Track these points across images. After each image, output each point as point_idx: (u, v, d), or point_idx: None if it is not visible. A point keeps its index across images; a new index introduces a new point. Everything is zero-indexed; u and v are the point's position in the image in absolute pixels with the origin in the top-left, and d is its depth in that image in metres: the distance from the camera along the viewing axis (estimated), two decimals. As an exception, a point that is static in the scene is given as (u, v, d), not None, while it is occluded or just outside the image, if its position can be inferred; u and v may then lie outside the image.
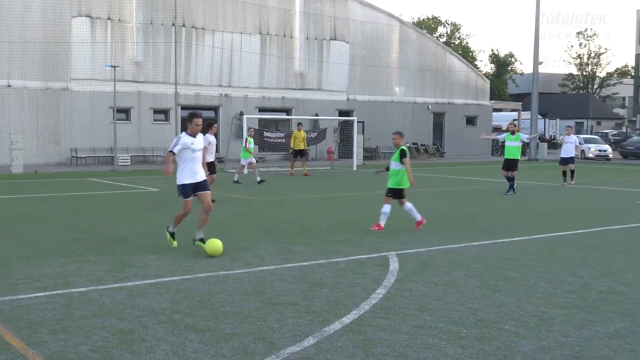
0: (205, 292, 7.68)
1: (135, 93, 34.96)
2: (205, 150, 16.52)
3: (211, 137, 16.81)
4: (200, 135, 10.50)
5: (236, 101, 37.84)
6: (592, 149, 44.78)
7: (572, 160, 23.52)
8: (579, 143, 25.46)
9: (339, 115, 39.93)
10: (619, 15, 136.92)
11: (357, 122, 35.83)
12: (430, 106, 45.40)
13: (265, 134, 33.23)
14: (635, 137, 52.82)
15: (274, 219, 14.21)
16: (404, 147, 12.74)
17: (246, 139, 24.01)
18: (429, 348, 5.83)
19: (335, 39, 41.16)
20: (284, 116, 38.42)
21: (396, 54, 43.81)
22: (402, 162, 12.61)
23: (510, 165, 20.48)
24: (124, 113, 34.75)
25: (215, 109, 37.65)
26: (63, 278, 8.34)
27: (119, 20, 34.60)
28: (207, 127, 17.01)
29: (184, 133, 10.37)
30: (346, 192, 20.78)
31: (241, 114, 35.44)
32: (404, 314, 6.86)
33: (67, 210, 16.00)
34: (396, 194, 12.78)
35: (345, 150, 36.63)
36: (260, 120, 35.98)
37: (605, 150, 45.42)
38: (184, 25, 36.06)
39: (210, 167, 16.56)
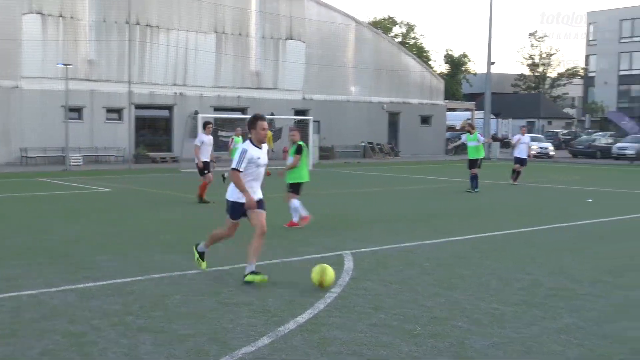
0: (159, 293, 7.61)
1: (88, 92, 34.41)
2: (197, 149, 16.71)
3: (206, 137, 16.81)
4: (265, 146, 8.44)
5: (191, 100, 37.54)
6: (534, 147, 45.77)
7: (525, 162, 23.83)
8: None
9: (295, 115, 39.92)
10: (570, 16, 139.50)
11: (313, 121, 35.88)
12: (385, 105, 45.69)
13: (220, 133, 33.08)
14: (584, 137, 54.02)
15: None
16: (300, 143, 13.04)
17: (232, 138, 23.82)
18: (383, 346, 5.87)
19: (292, 39, 41.13)
20: (239, 115, 38.23)
21: (352, 54, 43.99)
22: (295, 157, 12.89)
23: (471, 164, 20.85)
24: (76, 112, 34.16)
25: (169, 108, 37.30)
26: (13, 280, 8.17)
27: (71, 17, 34.02)
28: (203, 126, 17.38)
29: (248, 143, 8.27)
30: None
31: (196, 113, 35.16)
32: (359, 312, 6.90)
33: (17, 211, 15.67)
34: (297, 189, 12.94)
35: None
36: (216, 119, 35.73)
37: (546, 148, 46.37)
38: (138, 24, 35.62)
39: (206, 166, 16.58)
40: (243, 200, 8.10)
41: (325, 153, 40.00)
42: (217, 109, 38.04)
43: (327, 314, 6.83)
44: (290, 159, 13.07)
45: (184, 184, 22.85)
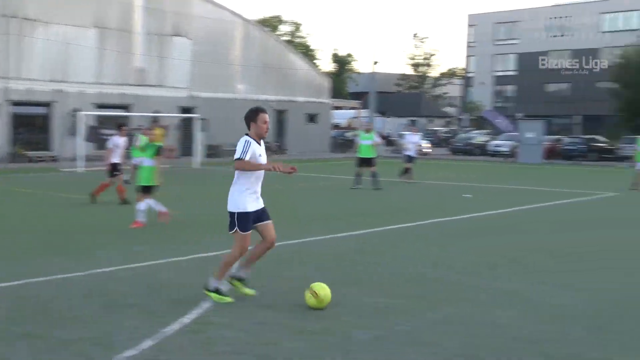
0: (41, 298, 7.31)
1: (-42, 87, 32.51)
2: (109, 151, 16.13)
3: (120, 140, 16.32)
4: (262, 143, 7.41)
5: (72, 97, 36.14)
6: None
7: (414, 160, 24.66)
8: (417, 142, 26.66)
9: (182, 112, 39.32)
10: (454, 18, 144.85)
11: (200, 119, 35.54)
12: (272, 104, 45.79)
13: (102, 131, 32.15)
14: (463, 135, 56.19)
15: (112, 220, 13.79)
16: (161, 144, 13.12)
17: (138, 137, 23.03)
18: (271, 343, 5.91)
19: (178, 35, 40.46)
20: (122, 113, 37.22)
21: (239, 52, 43.80)
22: (154, 159, 12.83)
23: (364, 162, 21.14)
24: (-54, 109, 32.23)
25: (48, 104, 35.80)
26: None
27: (-61, 9, 32.05)
28: (118, 128, 17.01)
29: (248, 137, 7.26)
30: (188, 189, 20.53)
31: (75, 110, 33.93)
32: (247, 310, 6.91)
33: None
34: (148, 190, 12.85)
35: (188, 148, 36.11)
36: (99, 117, 34.71)
37: (420, 145, 47.97)
38: (15, 17, 33.95)
39: (115, 168, 16.06)
40: (252, 208, 7.18)
41: (213, 151, 39.65)
42: (99, 106, 36.83)
43: (214, 313, 6.80)
44: (147, 161, 12.85)
45: (64, 184, 22.05)
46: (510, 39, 75.61)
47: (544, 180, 26.77)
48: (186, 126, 37.46)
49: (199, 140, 34.05)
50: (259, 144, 7.26)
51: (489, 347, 5.91)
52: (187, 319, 6.57)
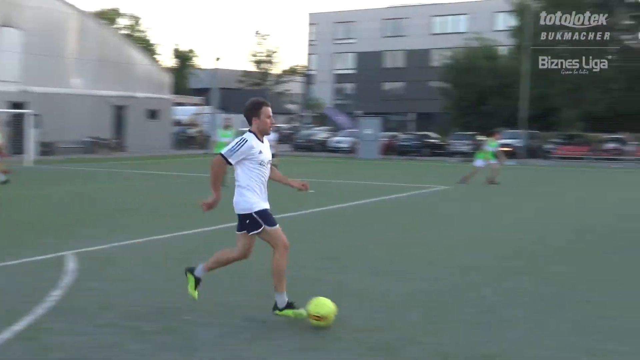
0: None
1: None
2: None
3: None
4: (267, 140, 6.67)
5: None
6: None
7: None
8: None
9: (12, 108, 37.05)
10: (295, 16, 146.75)
11: (33, 115, 33.72)
12: (110, 99, 44.26)
13: None
14: (305, 131, 57.28)
15: None
16: None
17: None
18: (110, 346, 5.72)
19: (7, 26, 38.04)
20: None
21: (75, 45, 41.92)
22: None
23: None
24: None
25: None
26: None
27: None
28: None
29: (249, 133, 6.50)
30: (19, 190, 19.40)
31: None
32: (84, 314, 6.64)
33: None
34: None
35: (19, 146, 34.11)
36: None
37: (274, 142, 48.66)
38: None
39: None
40: (265, 205, 6.53)
41: (47, 149, 37.73)
42: None
43: (49, 318, 6.47)
44: None
45: None
46: (349, 39, 77.95)
47: (382, 175, 27.87)
48: (17, 122, 35.32)
49: (32, 137, 32.25)
50: (262, 141, 6.53)
51: (321, 338, 6.05)
52: (19, 326, 6.21)
